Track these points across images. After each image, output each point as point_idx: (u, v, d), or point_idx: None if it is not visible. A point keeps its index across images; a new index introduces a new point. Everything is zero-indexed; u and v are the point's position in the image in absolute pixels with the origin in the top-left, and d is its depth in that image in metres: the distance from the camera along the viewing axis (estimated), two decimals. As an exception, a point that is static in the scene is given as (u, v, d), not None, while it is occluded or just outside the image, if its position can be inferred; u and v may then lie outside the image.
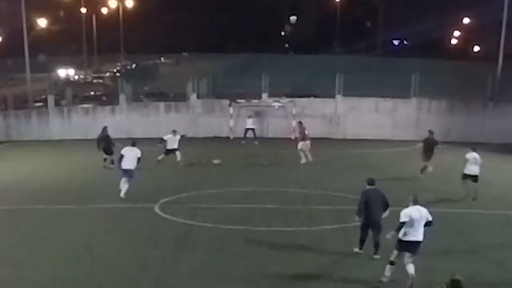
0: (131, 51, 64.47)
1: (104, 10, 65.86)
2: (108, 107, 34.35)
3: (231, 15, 74.81)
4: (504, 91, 33.44)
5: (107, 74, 60.46)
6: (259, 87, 33.74)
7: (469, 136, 31.89)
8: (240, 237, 15.10)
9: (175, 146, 24.46)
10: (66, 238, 15.11)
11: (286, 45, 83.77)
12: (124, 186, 18.93)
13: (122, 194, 18.82)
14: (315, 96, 35.15)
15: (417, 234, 11.98)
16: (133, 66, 67.68)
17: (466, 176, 19.08)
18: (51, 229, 15.91)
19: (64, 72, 53.56)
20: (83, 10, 61.58)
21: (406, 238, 11.97)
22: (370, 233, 13.55)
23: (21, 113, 33.75)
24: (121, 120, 33.41)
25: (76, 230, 15.84)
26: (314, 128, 32.28)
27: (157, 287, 12.09)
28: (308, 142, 25.47)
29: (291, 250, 14.15)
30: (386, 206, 13.56)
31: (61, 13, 71.79)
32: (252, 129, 31.47)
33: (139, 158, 19.17)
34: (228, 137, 32.88)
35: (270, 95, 33.82)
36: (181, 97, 35.08)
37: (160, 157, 24.40)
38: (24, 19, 35.45)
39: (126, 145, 19.60)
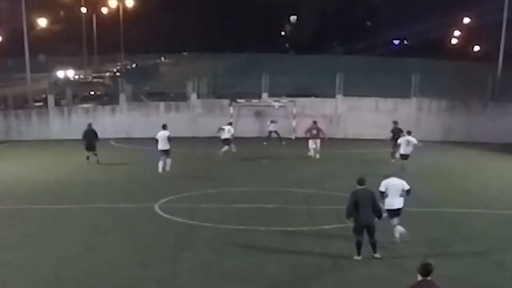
0: (131, 51, 64.42)
1: (104, 10, 65.82)
2: (108, 107, 34.39)
3: (231, 15, 74.75)
4: (504, 91, 33.45)
5: (107, 74, 60.46)
6: (259, 87, 33.76)
7: (469, 136, 31.97)
8: (240, 237, 15.09)
9: (228, 136, 26.56)
10: (66, 238, 15.10)
11: (286, 45, 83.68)
12: (160, 164, 22.35)
13: (160, 170, 22.26)
14: (315, 96, 35.17)
15: (397, 202, 14.13)
16: (133, 66, 67.68)
17: (402, 156, 22.88)
18: (51, 229, 15.91)
19: (63, 73, 53.09)
20: (83, 10, 61.56)
21: (388, 207, 14.16)
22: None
23: (21, 113, 33.78)
24: (121, 119, 33.46)
25: (76, 230, 15.83)
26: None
27: (157, 287, 12.08)
28: (317, 140, 26.53)
29: (291, 250, 14.15)
30: (377, 211, 13.12)
31: (61, 13, 71.72)
32: (275, 131, 31.32)
33: (169, 138, 22.46)
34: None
35: (270, 95, 33.85)
36: (181, 97, 35.11)
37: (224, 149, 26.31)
38: (24, 19, 35.46)
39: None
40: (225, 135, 26.45)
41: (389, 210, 14.14)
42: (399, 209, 14.16)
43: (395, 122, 26.05)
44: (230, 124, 27.34)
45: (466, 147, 30.42)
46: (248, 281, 12.33)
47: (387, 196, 14.14)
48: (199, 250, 14.11)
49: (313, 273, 12.71)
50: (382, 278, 12.39)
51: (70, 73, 52.43)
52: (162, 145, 22.53)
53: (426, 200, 19.11)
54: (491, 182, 22.53)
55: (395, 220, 14.19)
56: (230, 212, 17.48)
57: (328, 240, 14.92)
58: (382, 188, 14.19)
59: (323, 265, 13.22)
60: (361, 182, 13.45)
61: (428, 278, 8.18)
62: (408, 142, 22.77)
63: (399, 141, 23.20)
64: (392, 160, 24.35)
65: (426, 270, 8.19)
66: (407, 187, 14.16)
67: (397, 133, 24.96)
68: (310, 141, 26.60)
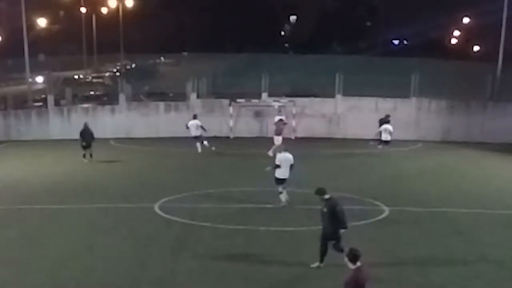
0: (131, 51, 64.33)
1: (104, 10, 65.79)
2: (108, 107, 34.34)
3: (231, 15, 74.72)
4: (504, 91, 33.42)
5: (107, 74, 60.40)
6: (259, 87, 33.72)
7: (469, 136, 31.97)
8: (240, 237, 15.10)
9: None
10: (66, 238, 15.12)
11: (286, 45, 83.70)
12: (198, 147, 26.56)
13: (199, 150, 26.51)
14: (315, 96, 35.12)
15: (285, 173, 17.57)
16: (133, 66, 67.61)
17: (381, 142, 26.80)
18: (51, 229, 15.92)
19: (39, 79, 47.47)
20: (83, 10, 61.54)
21: (280, 176, 17.60)
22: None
23: (21, 113, 33.74)
24: (121, 119, 33.43)
25: (76, 230, 15.85)
26: (314, 128, 32.29)
27: (157, 287, 12.09)
28: (279, 137, 27.06)
29: (291, 250, 14.15)
30: None
31: (61, 13, 71.72)
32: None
33: (201, 126, 26.62)
34: (228, 137, 32.89)
35: (270, 95, 33.81)
36: (181, 97, 35.05)
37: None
38: (24, 19, 35.44)
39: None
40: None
41: (280, 179, 17.64)
42: (286, 179, 17.64)
43: (387, 115, 28.57)
44: (279, 112, 29.53)
45: (466, 147, 30.43)
46: (248, 281, 12.34)
47: (280, 167, 17.50)
48: (199, 250, 14.12)
49: (313, 273, 12.71)
50: (382, 279, 12.38)
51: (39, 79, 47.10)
52: (194, 132, 26.62)
53: (426, 200, 19.14)
54: (491, 182, 22.52)
55: (281, 188, 17.75)
56: (230, 212, 17.49)
57: (328, 240, 14.88)
58: (277, 162, 17.64)
59: (323, 265, 13.21)
60: (323, 192, 13.36)
61: (358, 263, 9.27)
62: (386, 130, 26.58)
63: (380, 129, 26.91)
64: (379, 147, 27.15)
65: (355, 257, 9.28)
66: (292, 162, 17.60)
67: (384, 122, 27.53)
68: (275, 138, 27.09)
